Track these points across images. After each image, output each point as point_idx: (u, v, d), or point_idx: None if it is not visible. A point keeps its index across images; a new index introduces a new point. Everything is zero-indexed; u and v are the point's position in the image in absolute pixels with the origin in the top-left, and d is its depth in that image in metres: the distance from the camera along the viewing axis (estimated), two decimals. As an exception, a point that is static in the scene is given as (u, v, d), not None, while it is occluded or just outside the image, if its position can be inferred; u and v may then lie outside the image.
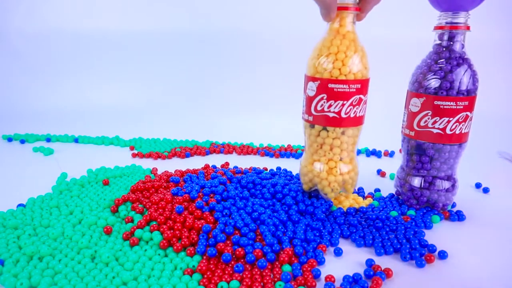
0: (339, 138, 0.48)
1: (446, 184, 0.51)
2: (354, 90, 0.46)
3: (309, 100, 0.48)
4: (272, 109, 1.03)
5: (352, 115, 0.47)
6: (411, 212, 0.51)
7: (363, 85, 0.47)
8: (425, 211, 0.52)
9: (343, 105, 0.46)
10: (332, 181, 0.49)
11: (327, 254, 0.44)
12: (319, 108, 0.47)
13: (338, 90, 0.46)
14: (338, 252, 0.43)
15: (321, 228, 0.47)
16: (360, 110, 0.48)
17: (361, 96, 0.47)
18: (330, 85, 0.46)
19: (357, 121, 0.48)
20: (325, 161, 0.50)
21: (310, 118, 0.49)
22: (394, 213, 0.51)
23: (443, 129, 0.48)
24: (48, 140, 0.82)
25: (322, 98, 0.47)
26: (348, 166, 0.50)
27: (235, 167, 0.65)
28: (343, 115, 0.47)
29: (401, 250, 0.42)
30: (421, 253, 0.42)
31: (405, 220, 0.50)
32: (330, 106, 0.47)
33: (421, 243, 0.45)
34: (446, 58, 0.47)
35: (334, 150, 0.49)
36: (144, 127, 0.94)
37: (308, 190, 0.53)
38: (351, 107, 0.47)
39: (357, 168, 0.52)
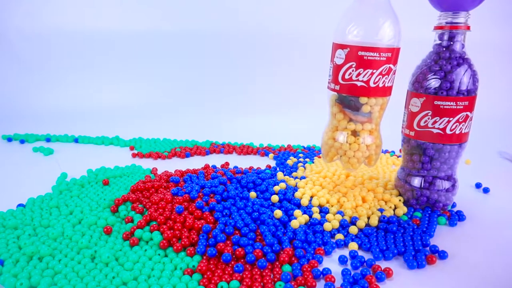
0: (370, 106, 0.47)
1: (446, 184, 0.51)
2: (385, 58, 0.45)
3: (337, 68, 0.47)
4: (272, 109, 1.03)
5: (380, 85, 0.46)
6: (417, 214, 0.51)
7: (393, 54, 0.46)
8: (429, 212, 0.52)
9: (372, 74, 0.45)
10: (359, 153, 0.49)
11: (327, 254, 0.44)
12: (347, 76, 0.46)
13: (368, 58, 0.45)
14: (342, 260, 0.42)
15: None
16: (389, 81, 0.47)
17: (391, 65, 0.46)
18: (360, 53, 0.45)
19: (386, 91, 0.47)
20: (349, 132, 0.49)
21: (337, 87, 0.48)
22: (404, 217, 0.50)
23: (443, 129, 0.48)
24: (48, 140, 0.82)
25: (350, 67, 0.46)
26: (373, 138, 0.50)
27: (235, 167, 0.65)
28: (371, 84, 0.46)
29: (407, 257, 0.42)
30: (423, 254, 0.42)
31: (415, 223, 0.49)
32: (358, 74, 0.46)
33: (423, 243, 0.44)
34: (446, 58, 0.47)
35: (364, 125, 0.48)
36: (144, 127, 0.94)
37: (330, 162, 0.53)
38: (380, 76, 0.46)
39: (381, 141, 0.51)
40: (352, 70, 0.46)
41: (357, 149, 0.49)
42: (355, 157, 0.50)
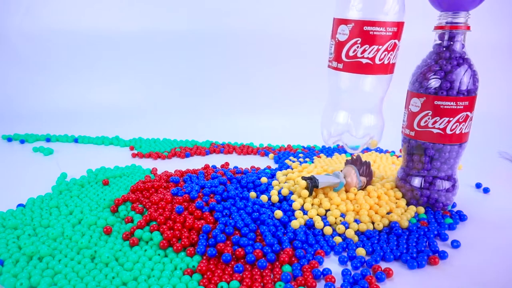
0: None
1: (446, 184, 0.51)
2: (391, 33, 0.43)
3: (339, 45, 0.45)
4: (272, 109, 1.03)
5: (386, 62, 0.45)
6: (423, 215, 0.51)
7: (399, 29, 0.44)
8: (436, 214, 0.51)
9: (378, 50, 0.43)
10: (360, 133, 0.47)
11: (327, 255, 0.44)
12: (351, 53, 0.44)
13: (374, 33, 0.43)
14: (342, 260, 0.42)
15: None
16: (394, 57, 0.45)
17: (396, 41, 0.44)
18: (365, 28, 0.43)
19: (390, 69, 0.46)
20: (351, 112, 0.48)
21: (340, 66, 0.45)
22: (413, 220, 0.49)
23: (443, 129, 0.48)
24: (48, 140, 0.82)
25: (355, 43, 0.44)
26: (375, 119, 0.48)
27: (235, 167, 0.65)
28: (377, 61, 0.44)
29: (407, 258, 0.42)
30: (426, 255, 0.42)
31: (423, 225, 0.49)
32: (364, 51, 0.44)
33: (431, 247, 0.44)
34: (446, 58, 0.47)
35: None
36: (144, 127, 0.94)
37: (331, 145, 0.51)
38: (386, 52, 0.44)
39: (383, 122, 0.50)
40: (357, 47, 0.44)
41: (359, 129, 0.48)
42: (356, 137, 0.48)
